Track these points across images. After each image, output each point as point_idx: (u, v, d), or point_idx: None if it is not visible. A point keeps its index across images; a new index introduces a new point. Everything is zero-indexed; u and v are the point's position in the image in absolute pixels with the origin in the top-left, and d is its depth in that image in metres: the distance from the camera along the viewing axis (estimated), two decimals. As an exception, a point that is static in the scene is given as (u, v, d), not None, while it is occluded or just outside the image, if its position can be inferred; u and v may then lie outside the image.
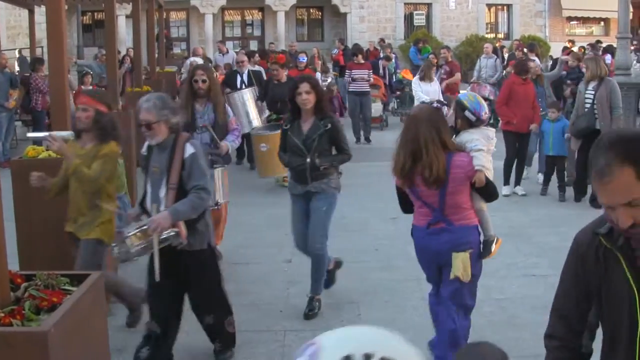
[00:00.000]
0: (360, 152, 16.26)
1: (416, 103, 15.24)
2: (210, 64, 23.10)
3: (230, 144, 9.58)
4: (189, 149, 6.47)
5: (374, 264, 9.49)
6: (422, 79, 17.51)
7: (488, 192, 6.48)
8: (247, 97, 13.76)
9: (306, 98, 7.84)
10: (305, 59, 16.11)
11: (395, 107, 23.85)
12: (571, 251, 3.30)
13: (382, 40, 33.87)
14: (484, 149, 6.55)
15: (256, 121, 13.67)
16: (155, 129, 6.41)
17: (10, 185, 7.77)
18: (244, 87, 15.08)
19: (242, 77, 15.86)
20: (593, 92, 12.34)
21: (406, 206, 6.77)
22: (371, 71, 20.73)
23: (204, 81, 9.36)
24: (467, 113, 6.91)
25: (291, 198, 8.28)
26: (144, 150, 6.87)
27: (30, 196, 7.47)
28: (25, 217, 7.53)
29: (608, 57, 22.22)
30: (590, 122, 12.27)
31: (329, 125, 7.94)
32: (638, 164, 2.79)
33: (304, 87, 7.86)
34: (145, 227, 6.18)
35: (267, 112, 14.49)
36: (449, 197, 6.29)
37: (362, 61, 20.54)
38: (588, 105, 12.41)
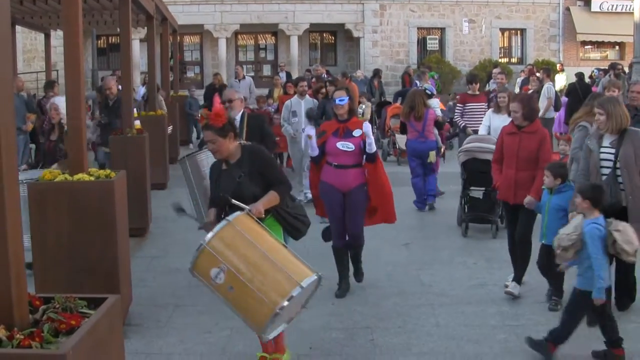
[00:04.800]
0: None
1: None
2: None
3: None
4: None
5: (387, 290, 9.47)
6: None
7: (439, 125, 14.87)
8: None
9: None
10: (346, 100, 9.28)
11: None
12: None
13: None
14: (437, 107, 16.64)
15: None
16: None
17: (27, 208, 7.84)
18: None
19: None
20: (613, 150, 8.14)
21: (404, 131, 15.17)
22: (486, 104, 16.19)
23: None
24: (427, 92, 16.18)
25: None
26: None
27: (45, 219, 7.51)
28: (41, 240, 7.57)
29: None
30: (616, 195, 8.05)
31: None
32: None
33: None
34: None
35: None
36: (426, 125, 14.03)
37: (477, 92, 16.09)
38: (607, 171, 8.13)
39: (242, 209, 6.48)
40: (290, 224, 7.18)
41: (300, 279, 5.96)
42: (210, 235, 6.09)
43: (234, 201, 6.62)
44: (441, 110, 21.55)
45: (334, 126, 9.32)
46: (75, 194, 7.54)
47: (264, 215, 6.69)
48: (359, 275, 9.64)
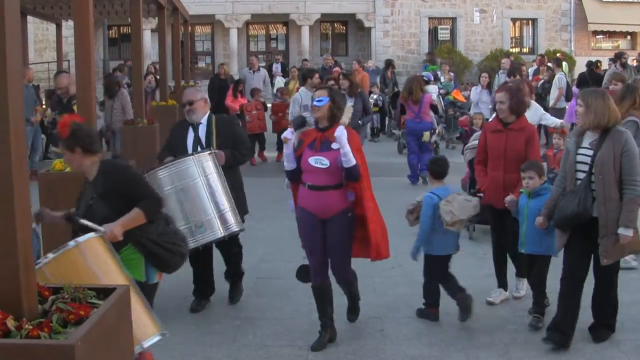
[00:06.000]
0: (379, 167, 16.27)
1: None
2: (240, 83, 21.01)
3: None
4: None
5: (396, 280, 9.48)
6: None
7: (434, 109, 17.31)
8: (196, 177, 7.65)
9: None
10: (325, 100, 7.26)
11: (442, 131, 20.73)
12: None
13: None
14: (435, 92, 19.48)
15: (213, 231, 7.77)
16: None
17: (38, 198, 7.88)
18: (199, 149, 8.24)
19: (196, 130, 8.44)
20: (591, 153, 7.08)
21: (403, 112, 16.93)
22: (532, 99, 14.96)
23: None
24: (425, 78, 18.89)
25: None
26: None
27: (57, 209, 7.53)
28: (51, 229, 7.59)
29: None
30: (584, 204, 6.96)
31: None
32: None
33: None
34: None
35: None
36: (422, 108, 15.68)
37: None
38: (582, 175, 7.10)
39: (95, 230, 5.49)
40: (153, 254, 6.03)
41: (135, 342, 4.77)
42: (48, 257, 4.89)
43: (85, 222, 5.69)
44: (459, 102, 21.36)
45: (312, 136, 7.45)
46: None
47: (121, 238, 5.73)
48: (353, 313, 8.12)
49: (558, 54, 30.48)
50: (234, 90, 20.22)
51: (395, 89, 24.79)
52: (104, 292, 4.02)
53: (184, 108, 8.47)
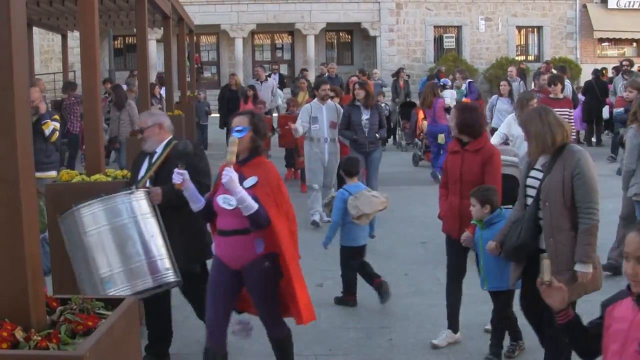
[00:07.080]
0: (390, 177, 16.26)
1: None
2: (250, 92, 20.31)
3: None
4: None
5: (405, 289, 9.44)
6: None
7: (449, 112, 14.82)
8: (124, 218, 6.30)
9: None
10: (246, 131, 6.10)
11: None
12: None
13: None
14: (449, 97, 19.78)
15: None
16: None
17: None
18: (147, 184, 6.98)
19: (151, 161, 7.19)
20: (541, 176, 6.26)
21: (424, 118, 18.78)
22: (572, 110, 14.92)
23: None
24: (441, 83, 21.75)
25: None
26: None
27: (63, 220, 7.52)
28: (59, 240, 7.57)
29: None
30: (524, 236, 6.26)
31: None
32: None
33: None
34: None
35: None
36: (436, 112, 17.06)
37: (561, 95, 14.39)
38: (529, 203, 6.39)
39: None
40: None
41: None
42: None
43: None
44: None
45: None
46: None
47: None
48: None
49: (544, 65, 30.38)
50: (246, 98, 20.03)
51: (408, 99, 24.31)
52: (112, 302, 4.02)
53: (135, 136, 7.16)
